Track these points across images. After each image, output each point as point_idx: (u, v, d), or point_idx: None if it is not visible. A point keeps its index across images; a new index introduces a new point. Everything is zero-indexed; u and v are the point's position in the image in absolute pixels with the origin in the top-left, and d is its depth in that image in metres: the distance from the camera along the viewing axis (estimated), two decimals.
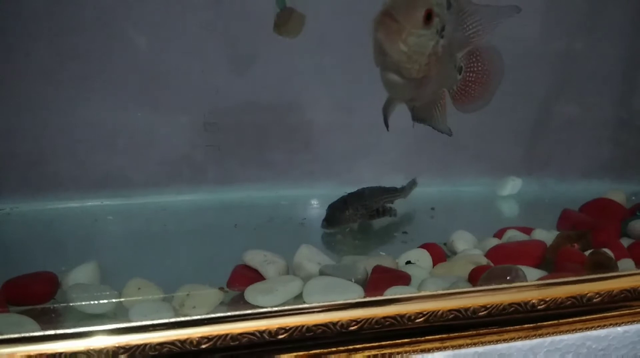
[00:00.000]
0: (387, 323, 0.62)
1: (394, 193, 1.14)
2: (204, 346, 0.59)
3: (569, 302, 0.67)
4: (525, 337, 0.67)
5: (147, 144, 1.22)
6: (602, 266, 0.75)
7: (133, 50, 1.16)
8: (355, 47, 1.23)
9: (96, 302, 0.69)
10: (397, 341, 0.63)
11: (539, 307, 0.66)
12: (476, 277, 0.74)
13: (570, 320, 0.69)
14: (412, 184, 1.21)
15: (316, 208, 1.09)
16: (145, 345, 0.58)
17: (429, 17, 0.65)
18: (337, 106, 1.30)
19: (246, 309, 0.66)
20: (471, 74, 0.79)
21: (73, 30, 1.13)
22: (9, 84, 1.13)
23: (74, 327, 0.58)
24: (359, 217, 1.05)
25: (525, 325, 0.68)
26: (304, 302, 0.70)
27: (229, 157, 1.26)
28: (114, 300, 0.69)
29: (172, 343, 0.58)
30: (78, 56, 1.14)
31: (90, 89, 1.17)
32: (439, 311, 0.63)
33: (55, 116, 1.17)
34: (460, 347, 0.64)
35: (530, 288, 0.67)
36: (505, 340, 0.66)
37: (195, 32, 1.18)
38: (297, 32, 1.09)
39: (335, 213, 1.03)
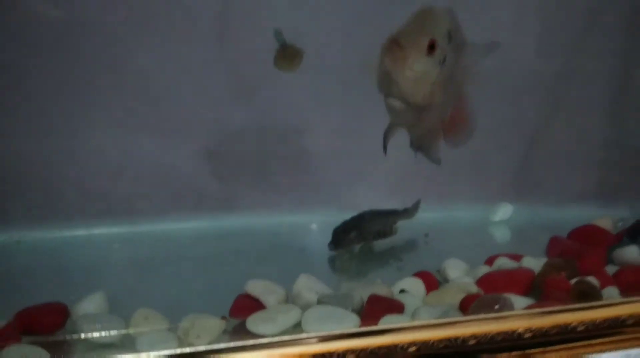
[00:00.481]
0: (382, 352, 0.66)
1: (395, 215, 1.19)
2: None
3: (554, 331, 0.71)
4: None
5: (152, 172, 1.26)
6: (587, 295, 0.79)
7: (139, 80, 1.21)
8: (354, 77, 1.30)
9: (105, 333, 0.72)
10: None
11: (525, 336, 0.70)
12: (467, 306, 0.77)
13: (557, 347, 0.73)
14: (417, 205, 1.25)
15: (315, 234, 1.13)
16: None
17: (432, 46, 0.70)
18: (336, 133, 1.35)
19: (248, 337, 0.70)
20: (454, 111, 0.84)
21: (80, 60, 1.18)
22: (15, 113, 1.18)
23: (84, 356, 0.62)
24: (363, 239, 1.11)
25: (514, 353, 0.71)
26: (303, 331, 0.74)
27: (231, 184, 1.31)
28: (122, 331, 0.73)
29: None
30: (85, 86, 1.19)
31: (97, 118, 1.21)
32: (430, 340, 0.66)
33: (62, 145, 1.21)
34: None
35: (516, 317, 0.70)
36: None
37: (200, 64, 1.24)
38: (295, 67, 1.15)
39: (341, 236, 1.09)
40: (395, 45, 0.69)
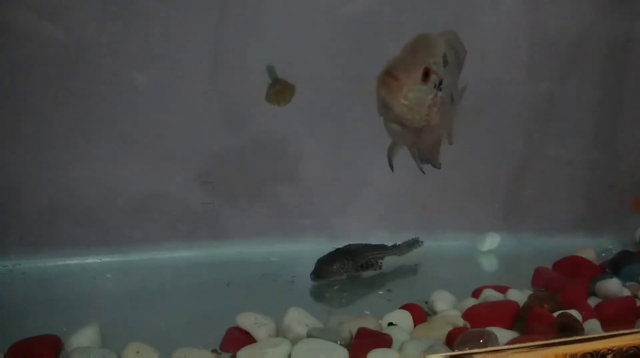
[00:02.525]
0: None
1: (383, 250, 1.21)
2: None
3: None
4: None
5: (145, 201, 1.28)
6: (568, 329, 0.81)
7: (134, 110, 1.24)
8: (344, 109, 1.34)
9: None
10: None
11: None
12: (453, 339, 0.79)
13: None
14: (413, 243, 1.27)
15: (306, 265, 1.15)
16: None
17: (426, 74, 0.75)
18: (328, 163, 1.38)
19: None
20: None
21: (75, 90, 1.20)
22: (10, 143, 1.20)
23: None
24: (346, 271, 1.13)
25: None
26: None
27: (224, 213, 1.33)
28: None
29: None
30: (80, 115, 1.21)
31: (92, 147, 1.23)
32: None
33: (56, 173, 1.23)
34: None
35: (499, 352, 0.72)
36: None
37: (193, 96, 1.27)
38: (287, 100, 1.18)
39: (323, 267, 1.11)
40: (389, 77, 0.73)
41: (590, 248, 1.21)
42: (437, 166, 0.99)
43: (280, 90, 1.18)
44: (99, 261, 1.22)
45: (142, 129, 1.25)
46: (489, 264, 1.32)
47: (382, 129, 1.38)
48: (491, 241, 1.34)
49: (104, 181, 1.25)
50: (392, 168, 0.96)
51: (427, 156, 0.96)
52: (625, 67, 1.48)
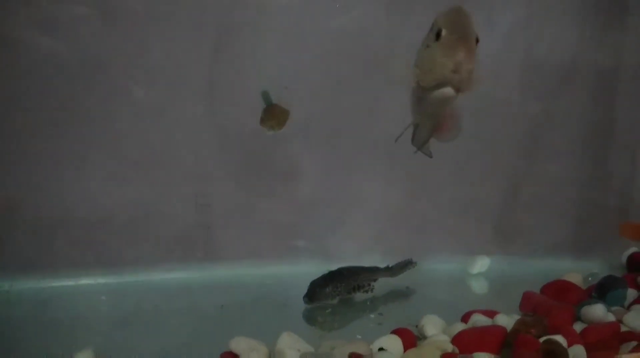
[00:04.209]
0: None
1: (375, 272, 1.23)
2: None
3: None
4: None
5: (140, 222, 1.29)
6: (554, 355, 0.83)
7: (131, 131, 1.26)
8: (335, 134, 1.37)
9: None
10: None
11: None
12: None
13: None
14: (406, 264, 1.29)
15: (299, 287, 1.16)
16: None
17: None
18: (322, 184, 1.41)
19: None
20: None
21: (73, 110, 1.22)
22: (6, 160, 1.21)
23: None
24: (338, 294, 1.15)
25: None
26: None
27: (219, 234, 1.35)
28: None
29: None
30: (77, 135, 1.24)
31: (88, 167, 1.25)
32: None
33: (53, 192, 1.24)
34: None
35: None
36: None
37: (190, 117, 1.30)
38: (282, 125, 1.21)
39: (316, 290, 1.13)
40: (467, 40, 0.76)
41: (577, 272, 1.24)
42: (429, 154, 1.03)
43: (275, 115, 1.21)
44: (94, 282, 1.23)
45: (138, 149, 1.27)
46: (479, 287, 1.34)
47: (375, 150, 1.44)
48: (481, 263, 1.36)
49: (99, 201, 1.27)
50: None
51: (424, 141, 0.98)
52: (613, 94, 1.52)
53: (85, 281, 1.23)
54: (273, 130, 1.21)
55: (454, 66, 0.76)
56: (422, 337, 0.98)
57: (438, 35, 0.77)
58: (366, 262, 1.30)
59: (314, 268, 1.27)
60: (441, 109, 0.87)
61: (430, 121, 0.91)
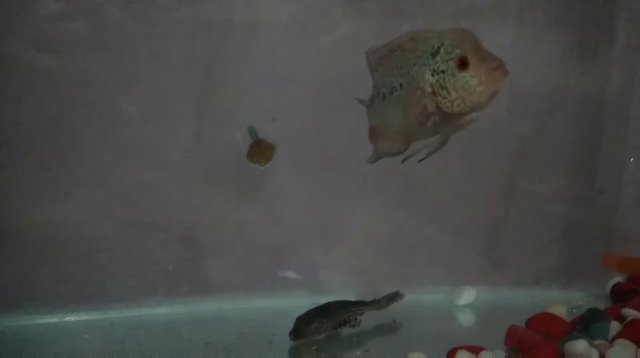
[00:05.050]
0: None
1: (362, 306, 1.23)
2: None
3: None
4: None
5: (126, 257, 1.29)
6: None
7: (117, 168, 1.26)
8: (325, 167, 1.38)
9: None
10: None
11: None
12: None
13: None
14: (393, 296, 1.29)
15: (285, 322, 1.16)
16: None
17: None
18: (308, 215, 1.41)
19: None
20: None
21: (58, 143, 1.23)
22: None
23: None
24: (324, 330, 1.15)
25: None
26: None
27: (204, 268, 1.34)
28: None
29: None
30: (61, 168, 1.24)
31: (72, 200, 1.25)
32: None
33: (38, 225, 1.23)
34: None
35: None
36: None
37: (176, 156, 1.31)
38: (267, 160, 1.23)
39: (302, 326, 1.13)
40: (500, 64, 0.77)
41: (561, 304, 1.24)
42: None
43: (261, 150, 1.22)
44: (78, 319, 1.22)
45: (124, 184, 1.27)
46: (466, 319, 1.34)
47: (363, 177, 1.45)
48: (468, 295, 1.37)
49: (84, 235, 1.26)
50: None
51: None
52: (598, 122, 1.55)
53: (68, 318, 1.22)
54: (259, 165, 1.22)
55: (493, 93, 0.77)
56: None
57: (464, 63, 0.77)
58: (352, 293, 1.31)
59: (301, 301, 1.28)
60: (464, 128, 0.87)
61: (444, 139, 0.90)
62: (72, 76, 1.21)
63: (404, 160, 0.94)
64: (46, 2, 1.19)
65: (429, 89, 0.80)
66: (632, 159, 1.54)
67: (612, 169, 1.56)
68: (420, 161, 0.97)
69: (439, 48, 0.80)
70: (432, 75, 0.80)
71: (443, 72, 0.79)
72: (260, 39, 1.30)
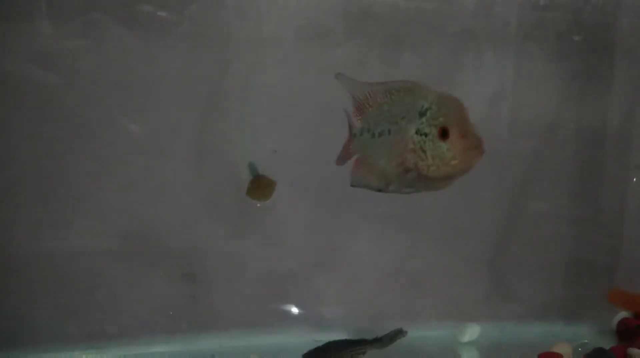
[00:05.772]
0: None
1: (364, 344, 1.20)
2: None
3: None
4: None
5: (124, 293, 1.28)
6: None
7: (117, 199, 1.26)
8: (326, 196, 1.37)
9: None
10: None
11: None
12: None
13: None
14: (396, 334, 1.25)
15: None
16: None
17: None
18: (309, 249, 1.40)
19: None
20: None
21: (58, 174, 1.23)
22: None
23: None
24: None
25: None
26: None
27: (203, 305, 1.33)
28: None
29: None
30: (60, 201, 1.23)
31: (71, 235, 1.25)
32: None
33: (31, 263, 1.23)
34: None
35: None
36: None
37: (177, 187, 1.30)
38: (267, 196, 1.23)
39: None
40: (479, 140, 0.79)
41: (567, 340, 1.22)
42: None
43: (261, 186, 1.23)
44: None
45: (124, 217, 1.27)
46: (470, 357, 1.32)
47: (364, 207, 1.43)
48: (471, 332, 1.34)
49: (83, 269, 1.25)
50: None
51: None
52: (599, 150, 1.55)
53: (64, 355, 1.20)
54: (259, 201, 1.22)
55: (466, 169, 0.79)
56: None
57: (444, 133, 0.78)
58: (354, 327, 1.29)
59: (301, 337, 1.26)
60: (439, 189, 0.88)
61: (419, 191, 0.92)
62: (71, 96, 1.22)
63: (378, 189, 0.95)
64: (44, 20, 1.20)
65: (411, 146, 0.82)
66: (635, 179, 1.54)
67: (615, 190, 1.55)
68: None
69: (427, 110, 0.81)
70: (417, 133, 0.81)
71: (426, 135, 0.80)
72: (262, 67, 1.31)
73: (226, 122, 1.31)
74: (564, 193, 1.54)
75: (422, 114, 0.81)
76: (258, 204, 1.21)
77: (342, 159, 0.99)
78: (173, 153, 1.29)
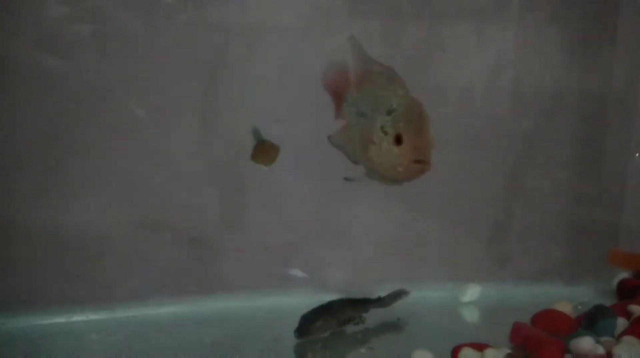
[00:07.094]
0: None
1: (367, 303, 1.23)
2: None
3: None
4: None
5: (133, 257, 1.30)
6: None
7: (123, 169, 1.28)
8: (329, 169, 1.38)
9: None
10: None
11: None
12: None
13: None
14: (398, 294, 1.29)
15: (290, 320, 1.16)
16: None
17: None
18: (312, 215, 1.42)
19: None
20: None
21: (67, 143, 1.25)
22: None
23: None
24: (329, 328, 1.15)
25: None
26: None
27: (210, 268, 1.36)
28: None
29: None
30: (68, 169, 1.26)
31: (80, 201, 1.27)
32: None
33: (42, 227, 1.26)
34: None
35: None
36: None
37: (182, 155, 1.32)
38: (271, 161, 1.23)
39: (307, 324, 1.13)
40: (428, 146, 0.83)
41: (567, 299, 1.24)
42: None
43: (265, 151, 1.23)
44: (86, 318, 1.24)
45: (131, 184, 1.29)
46: (471, 316, 1.34)
47: (367, 181, 1.44)
48: (472, 292, 1.37)
49: (90, 235, 1.28)
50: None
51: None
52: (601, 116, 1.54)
53: (76, 318, 1.24)
54: (263, 165, 1.23)
55: (408, 179, 0.84)
56: None
57: (399, 139, 0.82)
58: (357, 290, 1.30)
59: (306, 299, 1.27)
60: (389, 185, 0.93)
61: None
62: (78, 78, 1.23)
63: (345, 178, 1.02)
64: (51, 5, 1.20)
65: (374, 138, 0.85)
66: (637, 155, 1.54)
67: (616, 165, 1.55)
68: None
69: (393, 111, 0.84)
70: (381, 129, 0.84)
71: (386, 134, 0.83)
72: (265, 40, 1.31)
73: (230, 91, 1.31)
74: (565, 168, 1.55)
75: (389, 112, 0.84)
76: (264, 168, 1.21)
77: (336, 117, 1.01)
78: (178, 123, 1.30)
